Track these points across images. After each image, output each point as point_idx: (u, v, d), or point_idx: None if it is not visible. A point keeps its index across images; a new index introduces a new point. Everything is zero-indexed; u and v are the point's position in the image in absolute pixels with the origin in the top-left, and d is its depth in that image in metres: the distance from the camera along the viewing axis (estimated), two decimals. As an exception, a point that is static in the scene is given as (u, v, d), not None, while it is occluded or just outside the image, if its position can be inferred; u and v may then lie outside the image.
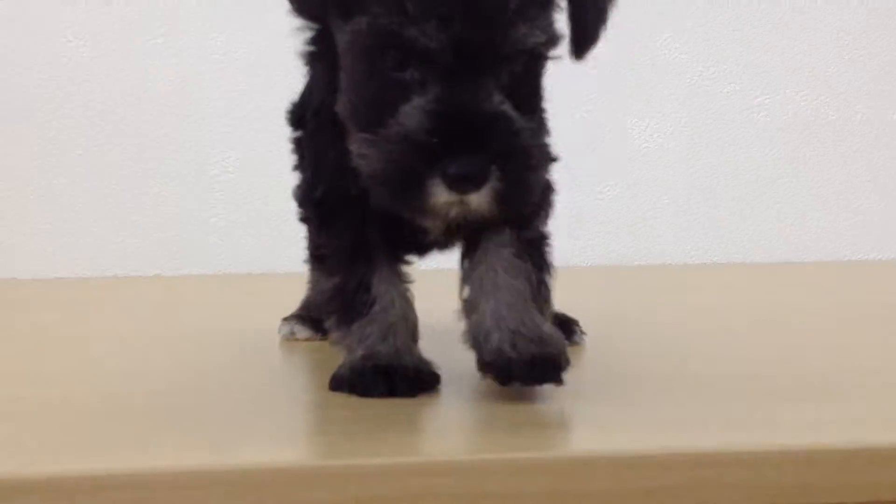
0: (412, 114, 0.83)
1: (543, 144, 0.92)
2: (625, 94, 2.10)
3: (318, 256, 1.04)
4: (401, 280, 1.00)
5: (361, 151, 0.86)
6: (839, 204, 2.17)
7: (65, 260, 1.99)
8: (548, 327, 0.96)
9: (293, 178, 1.09)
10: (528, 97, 0.91)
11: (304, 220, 1.05)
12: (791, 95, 2.15)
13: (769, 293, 1.80)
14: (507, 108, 0.85)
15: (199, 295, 1.83)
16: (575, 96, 2.03)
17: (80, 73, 1.98)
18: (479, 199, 0.83)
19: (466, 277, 0.98)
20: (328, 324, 1.03)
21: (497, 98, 0.85)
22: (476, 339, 0.95)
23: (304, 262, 1.20)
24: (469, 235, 0.99)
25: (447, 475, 0.78)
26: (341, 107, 0.91)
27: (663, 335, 1.33)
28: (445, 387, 0.98)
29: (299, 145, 1.07)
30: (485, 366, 0.94)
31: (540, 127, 0.95)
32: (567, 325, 1.21)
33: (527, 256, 0.97)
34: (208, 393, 1.02)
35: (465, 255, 1.00)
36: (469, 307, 0.97)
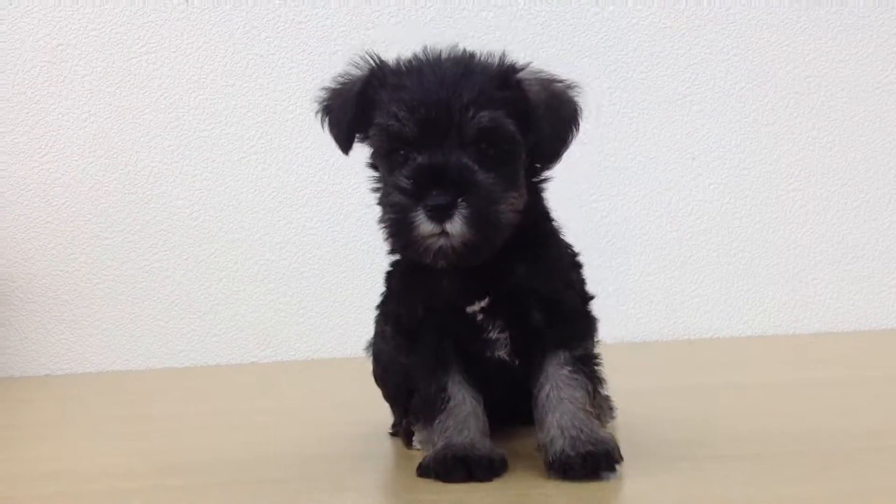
0: (400, 173, 1.10)
1: (504, 192, 1.12)
2: (670, 184, 2.29)
3: (408, 377, 1.24)
4: (471, 386, 1.21)
5: (379, 220, 1.13)
6: (875, 277, 2.32)
7: (172, 352, 2.25)
8: (603, 431, 1.17)
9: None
10: (504, 174, 1.13)
11: (396, 346, 1.26)
12: (824, 180, 2.31)
13: (807, 365, 1.93)
14: (472, 165, 1.10)
15: (289, 379, 2.05)
16: (627, 185, 2.23)
17: (164, 175, 2.24)
18: (454, 227, 1.08)
19: (536, 397, 1.18)
20: (416, 428, 1.24)
21: (465, 160, 1.10)
22: (544, 445, 1.17)
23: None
24: (532, 357, 1.20)
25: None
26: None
27: (705, 411, 1.48)
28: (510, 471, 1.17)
29: (390, 280, 1.29)
30: (549, 465, 1.15)
31: (509, 187, 1.13)
32: None
33: (580, 371, 1.18)
34: (299, 476, 1.20)
35: (533, 380, 1.19)
36: (539, 421, 1.18)
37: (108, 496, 1.17)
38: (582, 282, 1.27)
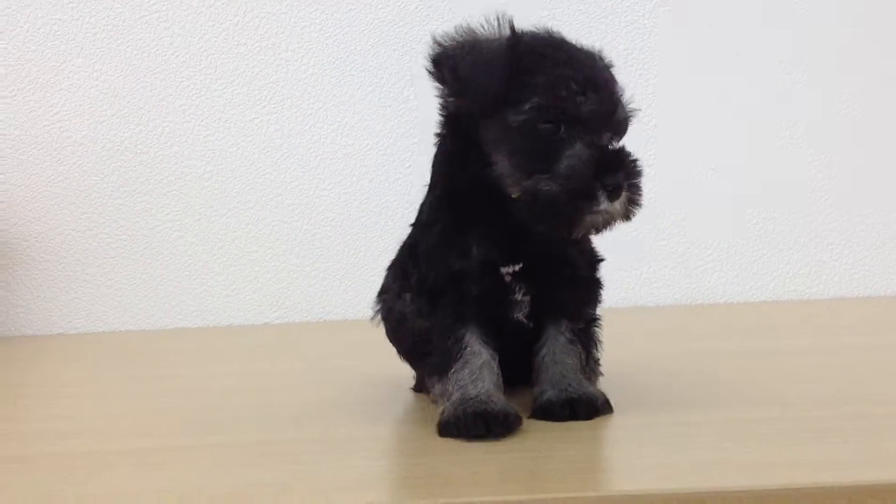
0: (577, 155, 1.13)
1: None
2: (678, 146, 2.28)
3: (426, 340, 1.24)
4: (488, 342, 1.22)
5: (537, 187, 1.13)
6: (892, 242, 2.31)
7: (184, 313, 2.26)
8: (592, 389, 1.25)
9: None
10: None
11: (417, 309, 1.26)
12: (842, 142, 2.30)
13: (824, 330, 1.93)
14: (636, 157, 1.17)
15: (303, 340, 2.05)
16: (642, 147, 2.20)
17: (176, 134, 2.24)
18: (617, 206, 1.14)
19: (534, 359, 1.26)
20: (430, 385, 1.25)
21: (619, 145, 1.18)
22: (535, 398, 1.24)
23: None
24: (539, 322, 1.26)
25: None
26: (500, 168, 1.16)
27: (721, 375, 1.47)
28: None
29: (413, 252, 1.29)
30: (533, 412, 1.23)
31: None
32: None
33: (577, 340, 1.26)
34: (317, 435, 1.20)
35: (535, 344, 1.27)
36: (534, 381, 1.26)
37: (121, 455, 1.17)
38: (589, 244, 1.30)
